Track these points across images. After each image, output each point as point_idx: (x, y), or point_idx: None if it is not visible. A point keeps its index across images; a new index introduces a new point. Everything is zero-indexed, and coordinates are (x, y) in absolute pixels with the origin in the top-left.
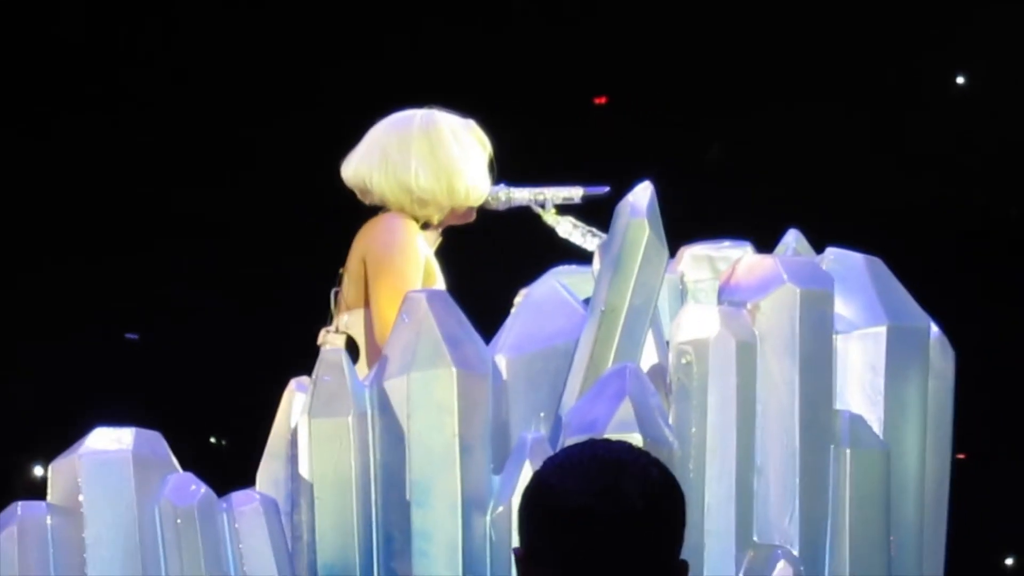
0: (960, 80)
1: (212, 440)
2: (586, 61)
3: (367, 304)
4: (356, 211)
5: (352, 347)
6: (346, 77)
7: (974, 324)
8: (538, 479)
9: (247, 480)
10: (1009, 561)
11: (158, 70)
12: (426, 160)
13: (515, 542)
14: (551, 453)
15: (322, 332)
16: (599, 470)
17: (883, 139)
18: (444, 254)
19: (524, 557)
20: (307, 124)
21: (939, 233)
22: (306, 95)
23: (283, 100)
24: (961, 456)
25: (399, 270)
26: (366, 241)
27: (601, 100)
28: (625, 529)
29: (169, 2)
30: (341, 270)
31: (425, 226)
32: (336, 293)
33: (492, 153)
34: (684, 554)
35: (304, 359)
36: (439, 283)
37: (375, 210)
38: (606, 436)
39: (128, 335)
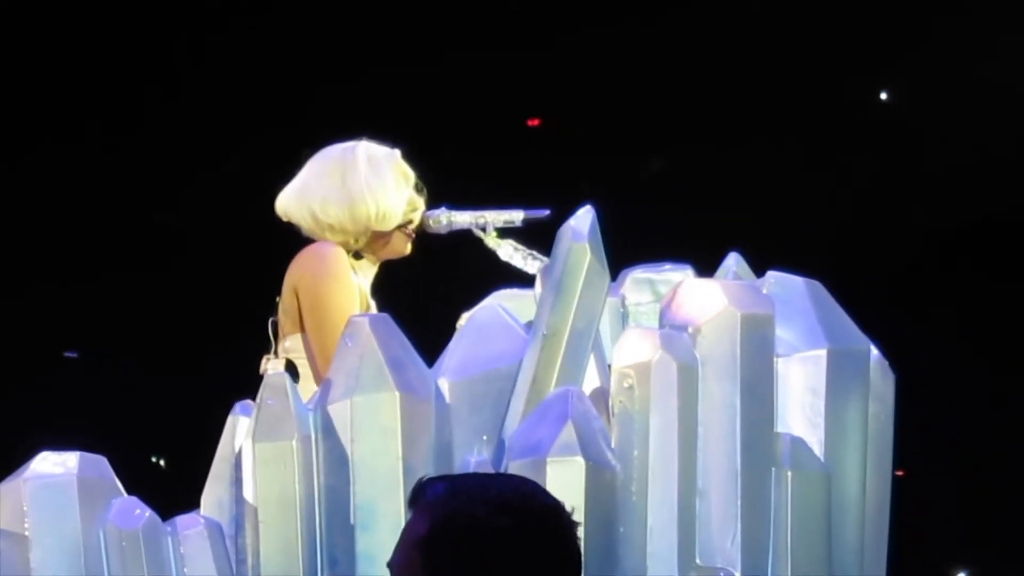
0: (883, 97)
1: (152, 460)
2: (525, 85)
3: (303, 329)
4: (294, 239)
5: (291, 371)
6: (283, 112)
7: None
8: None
9: (192, 503)
10: None
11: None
12: (334, 188)
13: None
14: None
15: (263, 360)
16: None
17: (818, 161)
18: (385, 276)
19: None
20: (249, 159)
21: (876, 255)
22: (246, 131)
23: (223, 134)
24: (900, 473)
25: (330, 297)
26: (298, 271)
27: (534, 122)
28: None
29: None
30: (278, 298)
31: (357, 256)
32: (274, 322)
33: (417, 181)
34: None
35: (247, 383)
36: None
37: (311, 240)
38: (548, 459)
39: (67, 353)
